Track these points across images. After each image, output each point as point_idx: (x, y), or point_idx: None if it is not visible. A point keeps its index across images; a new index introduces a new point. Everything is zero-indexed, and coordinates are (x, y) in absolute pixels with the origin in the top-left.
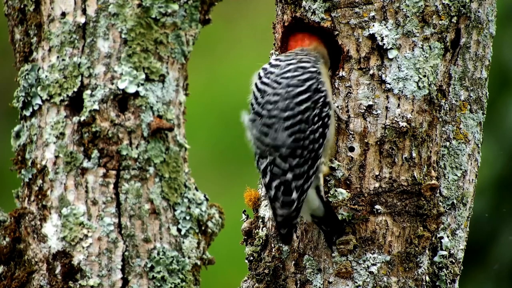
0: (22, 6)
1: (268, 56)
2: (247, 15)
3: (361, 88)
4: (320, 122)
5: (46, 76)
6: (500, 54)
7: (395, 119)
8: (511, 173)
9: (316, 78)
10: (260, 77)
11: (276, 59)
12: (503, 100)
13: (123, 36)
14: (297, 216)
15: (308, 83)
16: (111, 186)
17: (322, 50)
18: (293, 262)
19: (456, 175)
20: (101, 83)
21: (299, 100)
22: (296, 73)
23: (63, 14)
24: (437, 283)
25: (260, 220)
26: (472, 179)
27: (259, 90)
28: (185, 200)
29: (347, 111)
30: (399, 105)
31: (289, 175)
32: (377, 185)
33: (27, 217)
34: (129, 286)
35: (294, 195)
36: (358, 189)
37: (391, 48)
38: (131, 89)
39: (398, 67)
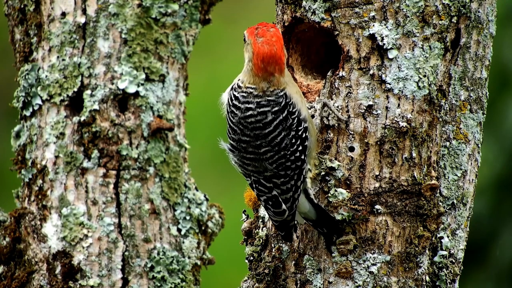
0: (22, 6)
1: None
2: (247, 15)
3: (361, 88)
4: (299, 141)
5: (46, 76)
6: (500, 54)
7: (395, 119)
8: (511, 173)
9: (281, 111)
10: (228, 112)
11: (242, 96)
12: (503, 100)
13: (123, 36)
14: (293, 219)
15: (274, 123)
16: (111, 186)
17: (283, 72)
18: (293, 262)
19: (456, 175)
20: (101, 83)
21: (271, 138)
22: (259, 118)
23: (63, 14)
24: (437, 283)
25: (260, 220)
26: (472, 179)
27: (230, 126)
28: (185, 200)
29: (347, 111)
30: (399, 105)
31: (275, 192)
32: (377, 185)
33: (27, 217)
34: (129, 286)
35: (284, 206)
36: (358, 189)
37: (391, 48)
38: (131, 89)
39: (398, 67)
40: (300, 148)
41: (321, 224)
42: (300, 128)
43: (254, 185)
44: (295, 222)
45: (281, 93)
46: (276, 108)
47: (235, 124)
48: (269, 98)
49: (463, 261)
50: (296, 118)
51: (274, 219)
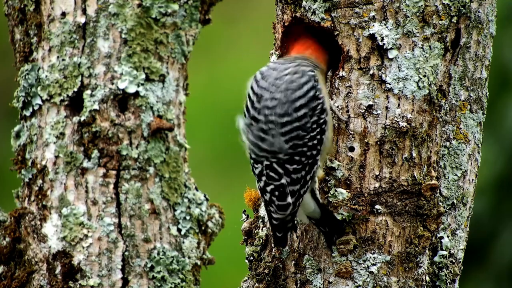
0: (22, 6)
1: (268, 56)
2: (247, 15)
3: (361, 88)
4: (319, 129)
5: (46, 76)
6: (500, 54)
7: (395, 119)
8: (511, 173)
9: (314, 85)
10: (257, 81)
11: (275, 62)
12: (503, 100)
13: (123, 36)
14: (293, 220)
15: (306, 87)
16: (111, 186)
17: (321, 60)
18: (293, 262)
19: (456, 175)
20: (101, 83)
21: (298, 106)
22: (295, 76)
23: (63, 14)
24: (437, 283)
25: (260, 220)
26: (472, 179)
27: (255, 94)
28: (185, 200)
29: (347, 111)
30: (399, 105)
31: (284, 180)
32: (377, 185)
33: (27, 217)
34: (129, 286)
35: (290, 199)
36: (358, 189)
37: (391, 48)
38: (131, 89)
39: (398, 67)
40: (318, 137)
41: (323, 223)
42: (322, 116)
43: (264, 172)
44: (296, 222)
45: (315, 70)
46: (311, 73)
47: (265, 88)
48: (309, 62)
49: (463, 261)
50: (321, 105)
51: (275, 216)
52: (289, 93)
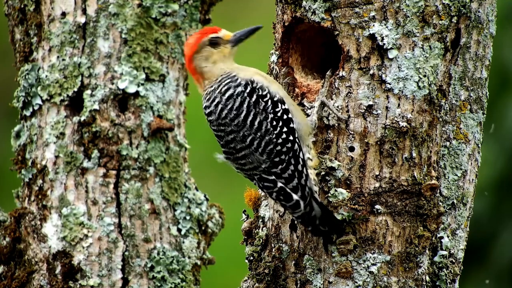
0: (22, 6)
1: (268, 56)
2: (247, 15)
3: (361, 88)
4: (281, 122)
5: (46, 76)
6: (500, 54)
7: (395, 119)
8: (511, 173)
9: (251, 89)
10: (209, 125)
11: (205, 107)
12: (503, 100)
13: (123, 36)
14: (312, 209)
15: (244, 105)
16: (111, 186)
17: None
18: (293, 262)
19: (456, 175)
20: (101, 83)
21: (250, 123)
22: (229, 106)
23: (63, 14)
24: (437, 283)
25: (260, 220)
26: (472, 179)
27: (215, 135)
28: (185, 200)
29: (347, 111)
30: (399, 105)
31: (280, 183)
32: (377, 185)
33: (27, 217)
34: (129, 286)
35: (295, 196)
36: (358, 189)
37: (391, 48)
38: (131, 89)
39: (398, 67)
40: (285, 129)
41: (323, 222)
42: (277, 110)
43: (260, 185)
44: (296, 222)
45: (233, 74)
46: (239, 89)
47: (217, 130)
48: (225, 82)
49: (463, 261)
50: (270, 100)
51: (296, 216)
52: (236, 121)
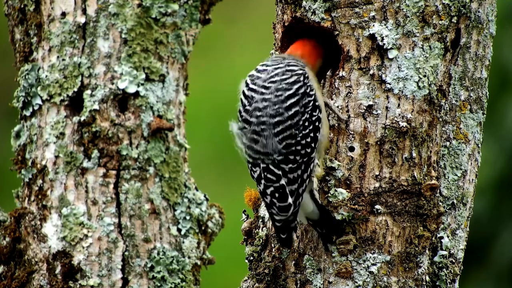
0: (22, 6)
1: (268, 56)
2: (247, 15)
3: (361, 88)
4: (311, 126)
5: (46, 76)
6: (500, 55)
7: (395, 119)
8: (511, 174)
9: (304, 82)
10: (247, 84)
11: (263, 64)
12: (503, 101)
13: (123, 36)
14: (295, 219)
15: (296, 86)
16: (111, 186)
17: (313, 58)
18: (293, 262)
19: (456, 175)
20: (101, 83)
21: (289, 104)
22: (284, 77)
23: (63, 14)
24: (437, 283)
25: (260, 220)
26: (472, 179)
27: (246, 97)
28: (185, 200)
29: (347, 111)
30: (399, 105)
31: (283, 181)
32: (377, 185)
33: (27, 217)
34: (129, 286)
35: (290, 199)
36: (358, 189)
37: (391, 48)
38: (131, 89)
39: (398, 67)
40: (312, 135)
41: (321, 224)
42: (314, 114)
43: (262, 174)
44: (296, 222)
45: (305, 68)
46: (300, 72)
47: (255, 90)
48: (298, 62)
49: (463, 261)
50: (312, 102)
51: (277, 218)
52: (279, 93)
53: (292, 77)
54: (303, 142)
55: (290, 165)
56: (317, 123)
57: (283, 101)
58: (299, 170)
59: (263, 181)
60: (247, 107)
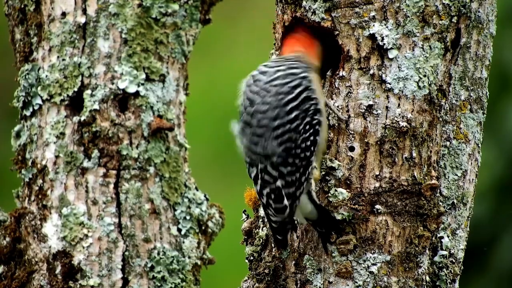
0: (22, 6)
1: (268, 56)
2: (247, 15)
3: (361, 88)
4: (312, 130)
5: (46, 76)
6: (500, 55)
7: (395, 119)
8: (511, 177)
9: (306, 86)
10: (248, 85)
11: (265, 65)
12: (503, 102)
13: (123, 36)
14: (292, 221)
15: (297, 90)
16: (111, 186)
17: (313, 55)
18: (293, 262)
19: (456, 175)
20: (101, 83)
21: (289, 109)
22: (285, 80)
23: (63, 14)
24: (437, 283)
25: (260, 220)
26: (472, 179)
27: (248, 98)
28: (185, 200)
29: (347, 111)
30: (399, 105)
31: (279, 183)
32: (377, 185)
33: (27, 217)
34: (129, 286)
35: (286, 201)
36: (358, 189)
37: (391, 48)
38: (132, 89)
39: (398, 67)
40: (312, 138)
41: (320, 224)
42: (315, 117)
43: (259, 175)
44: (296, 222)
45: (308, 70)
46: (302, 75)
47: (257, 92)
48: (301, 63)
49: (464, 264)
50: (314, 106)
51: (273, 219)
52: (280, 97)
53: (294, 81)
54: (303, 145)
55: (289, 168)
56: (317, 127)
57: (284, 105)
58: (297, 173)
59: (259, 182)
60: (248, 109)
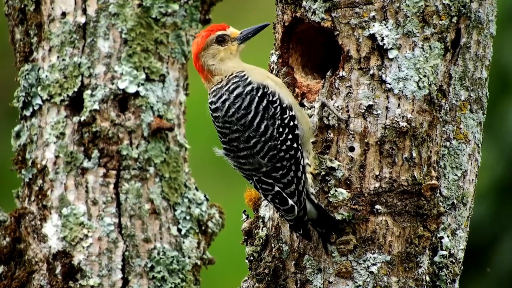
0: (22, 6)
1: (268, 56)
2: (247, 14)
3: (361, 88)
4: (287, 129)
5: (46, 76)
6: (500, 56)
7: (395, 119)
8: (511, 178)
9: (259, 96)
10: (213, 121)
11: (210, 102)
12: (503, 103)
13: (123, 36)
14: (306, 214)
15: (253, 105)
16: (111, 186)
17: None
18: (293, 262)
19: (456, 175)
20: (101, 83)
21: (256, 125)
22: (237, 104)
23: (64, 14)
24: (437, 283)
25: (260, 220)
26: (472, 179)
27: (218, 131)
28: (185, 200)
29: (347, 111)
30: (399, 105)
31: (277, 187)
32: (377, 185)
33: (27, 217)
34: (129, 286)
35: (291, 201)
36: (358, 189)
37: (391, 48)
38: (131, 89)
39: (398, 67)
40: (290, 136)
41: (320, 223)
42: (285, 116)
43: (258, 185)
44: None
45: (245, 76)
46: (248, 88)
47: (221, 127)
48: (234, 80)
49: (465, 264)
50: (279, 107)
51: (288, 218)
52: (243, 121)
53: (244, 101)
54: (284, 147)
55: (281, 171)
56: (291, 123)
57: (249, 126)
58: (290, 172)
59: (260, 191)
60: (223, 139)
